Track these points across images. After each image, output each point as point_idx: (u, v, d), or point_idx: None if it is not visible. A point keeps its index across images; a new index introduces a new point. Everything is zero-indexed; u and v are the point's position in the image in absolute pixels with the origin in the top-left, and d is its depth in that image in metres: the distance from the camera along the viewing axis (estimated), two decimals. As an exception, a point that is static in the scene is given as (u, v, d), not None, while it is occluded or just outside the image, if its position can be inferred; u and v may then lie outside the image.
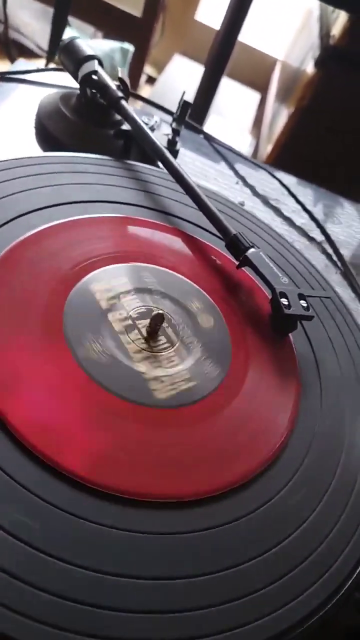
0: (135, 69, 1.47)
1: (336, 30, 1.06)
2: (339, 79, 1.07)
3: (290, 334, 0.37)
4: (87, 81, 0.43)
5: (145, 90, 1.60)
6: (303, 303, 0.36)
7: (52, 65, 0.53)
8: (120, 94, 0.43)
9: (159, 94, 1.37)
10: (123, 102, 0.43)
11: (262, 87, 1.63)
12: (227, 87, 1.46)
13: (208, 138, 0.58)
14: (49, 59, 1.23)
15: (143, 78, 1.58)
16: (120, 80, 0.44)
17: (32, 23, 1.57)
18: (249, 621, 0.24)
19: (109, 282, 0.34)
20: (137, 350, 0.31)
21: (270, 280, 0.36)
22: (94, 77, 0.43)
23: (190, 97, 0.47)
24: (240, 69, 1.54)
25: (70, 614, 0.21)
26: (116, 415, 0.28)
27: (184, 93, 0.45)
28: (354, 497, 0.30)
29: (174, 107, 0.55)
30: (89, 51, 0.44)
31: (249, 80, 1.60)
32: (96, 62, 0.44)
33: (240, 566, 0.25)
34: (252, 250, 0.37)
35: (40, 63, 1.36)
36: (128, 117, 0.42)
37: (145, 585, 0.23)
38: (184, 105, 0.44)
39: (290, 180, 0.58)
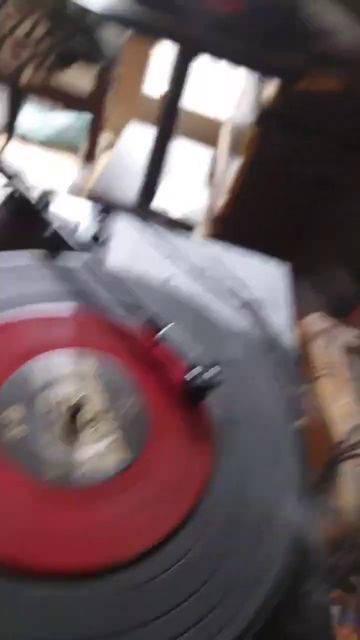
0: (93, 138, 1.57)
1: (269, 94, 1.16)
2: (275, 136, 1.16)
3: (206, 401, 0.42)
4: (10, 199, 0.49)
5: (104, 155, 1.70)
6: (212, 371, 0.41)
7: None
8: (41, 204, 0.49)
9: (117, 159, 1.45)
10: (44, 211, 0.49)
11: (214, 145, 1.74)
12: (182, 147, 1.56)
13: (140, 219, 0.64)
14: (7, 140, 1.32)
15: (101, 144, 1.67)
16: (43, 192, 0.50)
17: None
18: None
19: (39, 369, 0.39)
20: (59, 432, 0.36)
21: (183, 353, 0.41)
22: (16, 196, 0.49)
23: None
24: (193, 130, 1.64)
25: None
26: (28, 494, 0.32)
27: (104, 193, 0.52)
28: (259, 556, 0.34)
29: (129, 173, 0.61)
30: (9, 171, 0.51)
31: (201, 139, 1.70)
32: (19, 178, 0.50)
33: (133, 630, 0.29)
34: (166, 327, 0.43)
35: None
36: (52, 223, 0.48)
37: None
38: (103, 206, 0.51)
39: (218, 249, 0.64)
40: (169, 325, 0.43)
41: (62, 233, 0.47)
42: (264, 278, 0.63)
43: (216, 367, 0.41)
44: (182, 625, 0.30)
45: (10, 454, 0.33)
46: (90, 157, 1.55)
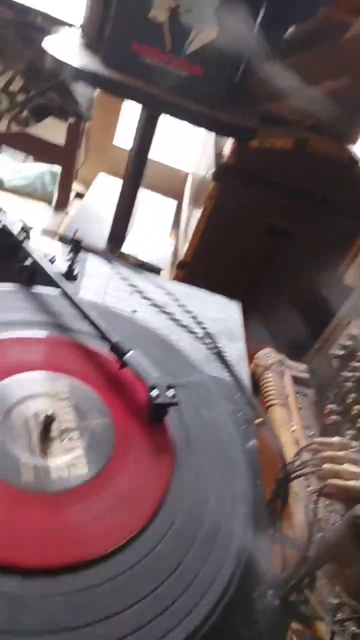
0: (64, 188, 1.64)
1: (226, 150, 1.26)
2: (232, 189, 1.25)
3: (166, 419, 0.46)
4: (-6, 230, 0.54)
5: (74, 204, 1.77)
6: (171, 392, 0.45)
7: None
8: (22, 237, 0.54)
9: (86, 208, 1.52)
10: (24, 245, 0.54)
11: (178, 195, 1.84)
12: (147, 198, 1.64)
13: (107, 259, 0.69)
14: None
15: (72, 194, 1.75)
16: (23, 225, 0.56)
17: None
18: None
19: (13, 389, 0.42)
20: (29, 444, 0.39)
21: (143, 376, 0.46)
22: (-1, 227, 0.54)
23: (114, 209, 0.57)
24: (158, 182, 1.74)
25: None
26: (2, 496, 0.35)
27: (75, 231, 0.57)
28: (207, 565, 0.37)
29: (97, 221, 0.67)
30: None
31: (166, 191, 1.80)
32: (1, 212, 0.55)
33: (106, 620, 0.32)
34: (130, 353, 0.47)
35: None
36: (29, 256, 0.53)
37: None
38: (74, 242, 0.56)
39: (179, 288, 0.70)
40: (132, 351, 0.48)
41: (40, 264, 0.52)
42: (220, 314, 0.69)
43: (174, 388, 0.46)
44: (137, 622, 0.32)
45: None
46: (61, 205, 1.62)
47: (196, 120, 1.11)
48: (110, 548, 0.35)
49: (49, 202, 1.68)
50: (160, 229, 1.59)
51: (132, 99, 1.13)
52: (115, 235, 1.36)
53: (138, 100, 1.15)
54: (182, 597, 0.35)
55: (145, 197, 1.59)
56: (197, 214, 1.47)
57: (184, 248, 1.48)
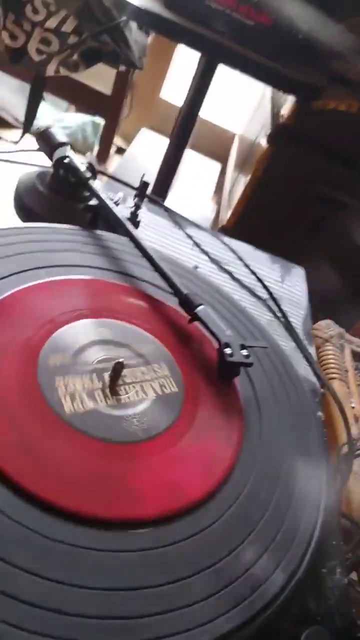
0: (106, 141, 1.58)
1: (285, 110, 1.19)
2: (288, 154, 1.19)
3: (235, 379, 0.43)
4: (59, 164, 0.50)
5: (114, 160, 1.72)
6: (244, 352, 0.42)
7: (30, 147, 0.60)
8: (88, 174, 0.50)
9: (127, 164, 1.47)
10: (90, 181, 0.50)
11: (222, 158, 1.77)
12: (191, 158, 1.58)
13: (167, 210, 0.65)
14: (25, 131, 1.33)
15: (113, 149, 1.69)
16: (89, 163, 0.52)
17: (9, 97, 1.69)
18: (187, 628, 0.28)
19: (81, 333, 0.39)
20: (99, 392, 0.36)
21: (216, 332, 0.42)
22: (66, 161, 0.50)
23: (155, 168, 0.55)
24: (203, 142, 1.67)
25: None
26: (71, 444, 0.32)
27: (143, 175, 0.53)
28: (287, 522, 0.35)
29: (138, 178, 0.63)
30: (61, 138, 0.52)
31: (210, 152, 1.73)
32: (68, 147, 0.51)
33: (178, 582, 0.29)
34: (201, 307, 0.44)
35: (17, 133, 1.46)
36: (95, 195, 0.49)
37: (87, 594, 0.27)
38: (143, 184, 0.52)
39: (241, 246, 0.66)
40: (203, 306, 0.44)
41: (107, 205, 0.48)
42: (283, 279, 0.65)
43: (247, 348, 0.42)
44: (209, 589, 0.30)
45: (59, 412, 0.34)
46: (101, 158, 1.56)
47: (259, 73, 1.05)
48: (190, 503, 0.33)
49: (89, 155, 1.62)
50: (201, 192, 1.54)
51: (193, 46, 1.07)
52: (156, 194, 1.31)
53: (199, 48, 1.08)
54: (258, 564, 0.32)
55: (188, 157, 1.53)
56: (243, 179, 1.41)
57: (226, 214, 1.43)
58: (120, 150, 1.78)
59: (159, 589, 0.29)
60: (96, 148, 1.60)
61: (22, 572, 0.27)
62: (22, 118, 1.54)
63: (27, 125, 1.32)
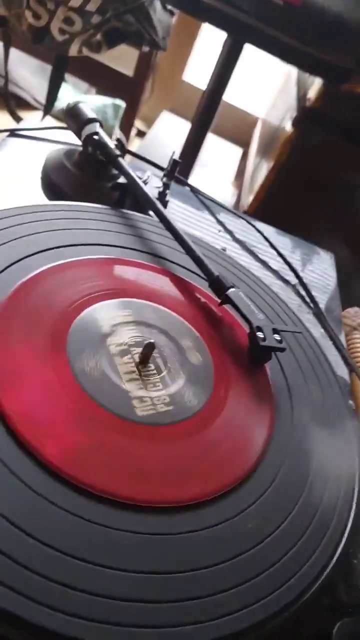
0: (126, 124, 1.56)
1: (312, 93, 1.16)
2: (313, 138, 1.16)
3: (265, 365, 0.41)
4: (89, 140, 0.49)
5: (135, 143, 1.70)
6: (276, 337, 0.41)
7: (56, 124, 0.59)
8: (117, 152, 0.49)
9: (148, 147, 1.45)
10: (120, 159, 0.48)
11: (244, 143, 1.74)
12: (212, 142, 1.56)
13: (194, 190, 0.64)
14: (46, 112, 1.32)
15: (133, 132, 1.67)
16: (118, 140, 0.51)
17: (30, 78, 1.67)
18: (221, 615, 0.27)
19: (110, 313, 0.38)
20: (127, 372, 0.35)
21: (248, 316, 0.41)
22: (95, 137, 0.49)
23: (176, 152, 0.54)
24: (224, 126, 1.64)
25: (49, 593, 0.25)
26: (97, 422, 0.32)
27: (173, 153, 0.52)
28: (322, 506, 0.35)
29: (161, 160, 0.61)
30: (91, 114, 0.51)
31: (232, 136, 1.71)
32: (97, 124, 0.50)
33: (213, 567, 0.29)
34: (232, 289, 0.43)
35: (37, 115, 1.45)
36: (124, 173, 0.48)
37: (131, 577, 0.26)
38: (173, 163, 0.51)
39: (268, 229, 0.64)
40: (234, 288, 0.43)
41: (136, 183, 0.47)
42: (312, 264, 0.63)
43: (281, 332, 0.41)
44: (266, 561, 0.30)
45: (93, 392, 0.33)
46: (121, 141, 1.54)
47: (286, 54, 1.02)
48: (222, 489, 0.32)
49: (110, 137, 1.60)
50: (222, 176, 1.52)
51: (219, 25, 1.05)
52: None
53: (225, 28, 1.06)
54: (291, 553, 0.31)
55: (209, 141, 1.51)
56: (265, 164, 1.38)
57: (248, 199, 1.41)
58: (141, 134, 1.76)
59: (194, 573, 0.28)
60: (116, 131, 1.58)
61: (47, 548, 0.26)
62: (42, 99, 1.52)
63: (48, 106, 1.30)
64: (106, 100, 1.64)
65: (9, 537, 0.25)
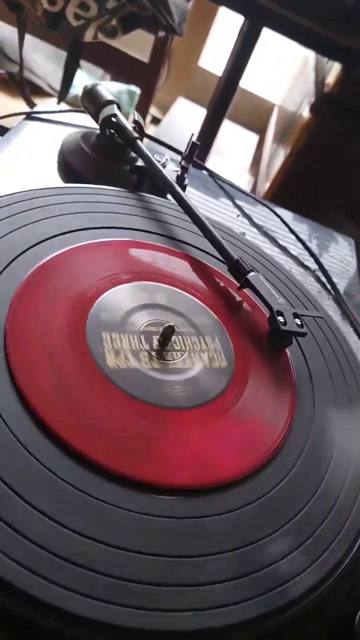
0: (141, 110, 1.55)
1: (330, 78, 1.14)
2: (332, 124, 1.14)
3: (286, 349, 0.41)
4: (107, 123, 0.48)
5: (150, 130, 1.68)
6: (297, 321, 0.40)
7: (70, 107, 0.58)
8: (135, 134, 0.48)
9: (163, 134, 1.44)
10: (138, 141, 0.48)
11: (260, 129, 1.72)
12: (228, 129, 1.54)
13: (212, 175, 0.63)
14: (60, 99, 1.31)
15: (148, 119, 1.66)
16: (136, 122, 0.50)
17: (44, 65, 1.66)
18: (242, 599, 0.27)
19: (129, 295, 0.38)
20: (148, 356, 0.35)
21: (269, 300, 0.40)
22: (113, 119, 0.48)
23: (192, 138, 0.53)
24: (240, 112, 1.62)
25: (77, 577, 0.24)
26: (115, 404, 0.31)
27: (192, 135, 0.51)
28: (343, 492, 0.34)
29: (177, 147, 0.61)
30: (108, 97, 0.50)
31: (248, 123, 1.68)
32: (115, 106, 0.49)
33: (236, 550, 0.28)
34: (252, 273, 0.42)
35: (52, 102, 1.44)
36: (142, 155, 0.48)
37: (146, 559, 0.26)
38: (192, 146, 0.50)
39: (286, 214, 0.63)
40: (254, 272, 0.42)
41: (155, 166, 0.46)
42: (332, 249, 0.62)
43: (302, 316, 0.40)
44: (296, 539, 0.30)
45: (112, 377, 0.33)
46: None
47: (305, 38, 1.01)
48: (247, 471, 0.32)
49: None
50: (238, 163, 1.50)
51: (236, 9, 1.03)
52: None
53: (242, 11, 1.04)
54: (310, 540, 0.31)
55: (224, 128, 1.49)
56: (282, 152, 1.36)
57: (264, 187, 1.39)
58: (156, 121, 1.75)
59: (216, 557, 0.28)
60: (131, 117, 1.57)
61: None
62: (57, 86, 1.52)
63: (63, 93, 1.30)
64: (121, 87, 1.63)
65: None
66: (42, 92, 1.64)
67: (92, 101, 0.50)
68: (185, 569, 0.27)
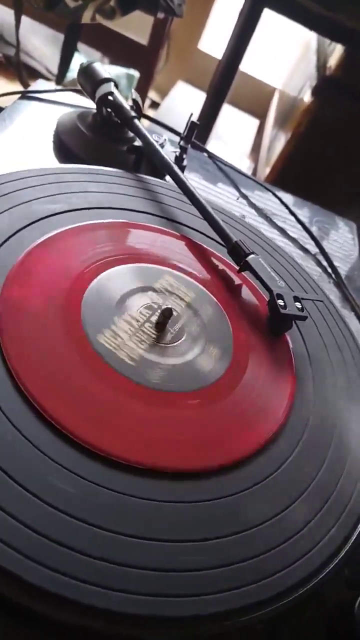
0: (140, 94, 1.53)
1: (332, 61, 1.12)
2: (334, 107, 1.13)
3: (286, 333, 0.40)
4: (103, 101, 0.47)
5: (149, 114, 1.66)
6: (297, 305, 0.39)
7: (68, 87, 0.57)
8: (133, 113, 0.47)
9: (162, 118, 1.42)
10: (136, 121, 0.47)
11: (260, 114, 1.69)
12: (228, 113, 1.52)
13: (211, 156, 0.62)
14: (58, 82, 1.29)
15: (147, 103, 1.64)
16: (134, 101, 0.49)
17: (42, 47, 1.64)
18: (242, 584, 0.26)
19: (126, 277, 0.37)
20: (145, 339, 0.34)
21: (268, 283, 0.40)
22: (110, 97, 0.47)
23: (192, 118, 0.51)
24: (240, 97, 1.60)
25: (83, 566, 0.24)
26: (113, 388, 0.31)
27: (191, 114, 0.50)
28: (343, 479, 0.33)
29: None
30: (105, 74, 0.49)
31: (248, 107, 1.66)
32: (112, 84, 0.48)
33: (233, 535, 0.28)
34: (251, 256, 0.41)
35: (49, 85, 1.41)
36: (140, 135, 0.46)
37: (148, 545, 0.26)
38: (191, 125, 0.49)
39: (288, 198, 0.62)
40: (254, 255, 0.41)
41: (153, 146, 0.45)
42: (333, 233, 0.61)
43: (303, 300, 0.40)
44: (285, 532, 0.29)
45: (108, 358, 0.32)
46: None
47: (307, 20, 0.99)
48: (247, 455, 0.31)
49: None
50: (238, 148, 1.48)
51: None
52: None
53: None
54: (312, 524, 0.30)
55: (224, 112, 1.47)
56: (283, 136, 1.34)
57: (264, 172, 1.37)
58: (155, 105, 1.72)
59: (217, 541, 0.27)
60: (130, 101, 1.55)
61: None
62: (54, 69, 1.49)
63: (60, 76, 1.28)
64: (120, 70, 1.60)
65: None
66: (39, 76, 1.62)
67: (88, 79, 0.49)
68: (186, 553, 0.26)
